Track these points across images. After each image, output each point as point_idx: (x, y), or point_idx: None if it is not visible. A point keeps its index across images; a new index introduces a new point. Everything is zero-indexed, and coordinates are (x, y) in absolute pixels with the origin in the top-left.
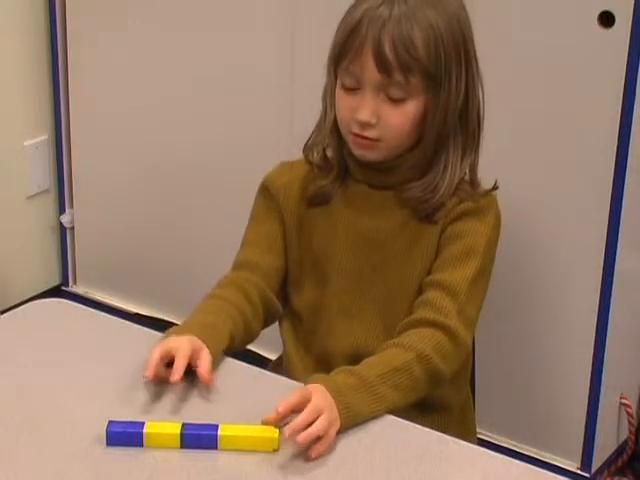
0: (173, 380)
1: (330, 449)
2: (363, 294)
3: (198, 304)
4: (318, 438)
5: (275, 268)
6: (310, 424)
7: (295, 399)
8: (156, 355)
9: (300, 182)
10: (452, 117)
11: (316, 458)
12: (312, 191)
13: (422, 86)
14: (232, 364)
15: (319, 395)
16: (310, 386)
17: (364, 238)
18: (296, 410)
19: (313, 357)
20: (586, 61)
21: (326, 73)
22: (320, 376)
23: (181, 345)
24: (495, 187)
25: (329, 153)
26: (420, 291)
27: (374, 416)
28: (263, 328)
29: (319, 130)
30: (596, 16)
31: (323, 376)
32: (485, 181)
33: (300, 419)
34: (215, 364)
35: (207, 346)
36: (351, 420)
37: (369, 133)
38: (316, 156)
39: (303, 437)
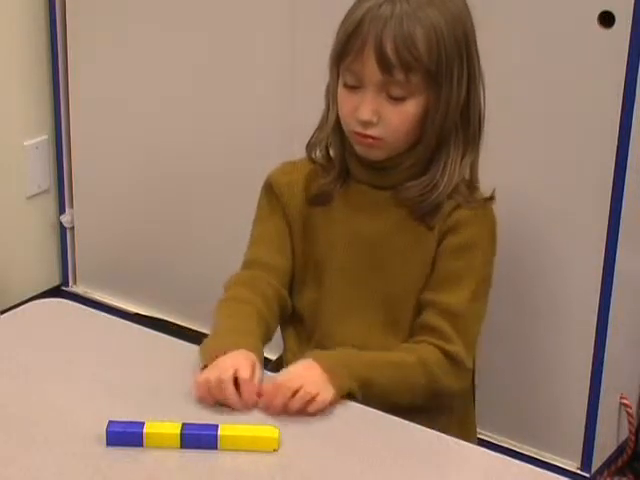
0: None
1: (322, 410)
2: (362, 294)
3: (224, 308)
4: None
5: (284, 265)
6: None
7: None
8: (233, 395)
9: (303, 181)
10: (453, 116)
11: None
12: (314, 190)
13: (423, 85)
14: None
15: (304, 367)
16: (298, 362)
17: (363, 238)
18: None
19: None
20: (586, 61)
21: (328, 72)
22: (316, 352)
23: (241, 367)
24: (492, 197)
25: (331, 152)
26: (418, 304)
27: (362, 395)
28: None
29: (321, 129)
30: (596, 16)
31: (317, 352)
32: (483, 182)
33: (277, 401)
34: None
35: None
36: (342, 387)
37: (370, 132)
38: (319, 155)
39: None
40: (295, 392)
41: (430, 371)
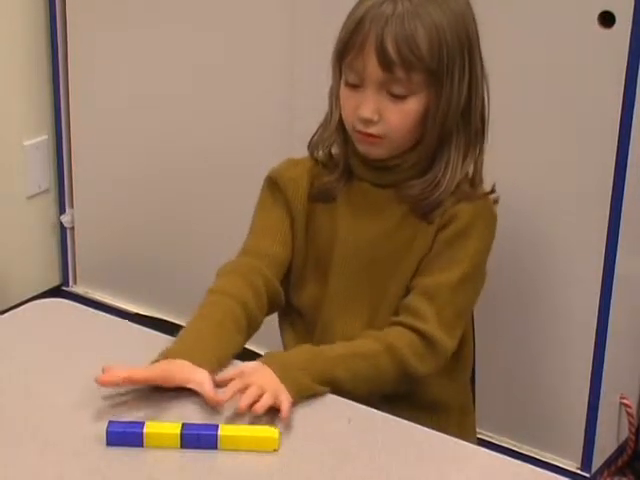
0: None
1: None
2: (362, 292)
3: (202, 304)
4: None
5: (282, 255)
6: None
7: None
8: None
9: (307, 178)
10: (454, 115)
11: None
12: (317, 188)
13: (424, 83)
14: (232, 364)
15: (260, 376)
16: (251, 366)
17: (366, 236)
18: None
19: None
20: (586, 61)
21: (331, 71)
22: (270, 353)
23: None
24: (492, 191)
25: (334, 150)
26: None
27: (325, 393)
28: (266, 316)
29: (325, 127)
30: (596, 16)
31: (273, 353)
32: (484, 182)
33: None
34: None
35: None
36: (300, 393)
37: (372, 130)
38: (321, 153)
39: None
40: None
41: (398, 356)
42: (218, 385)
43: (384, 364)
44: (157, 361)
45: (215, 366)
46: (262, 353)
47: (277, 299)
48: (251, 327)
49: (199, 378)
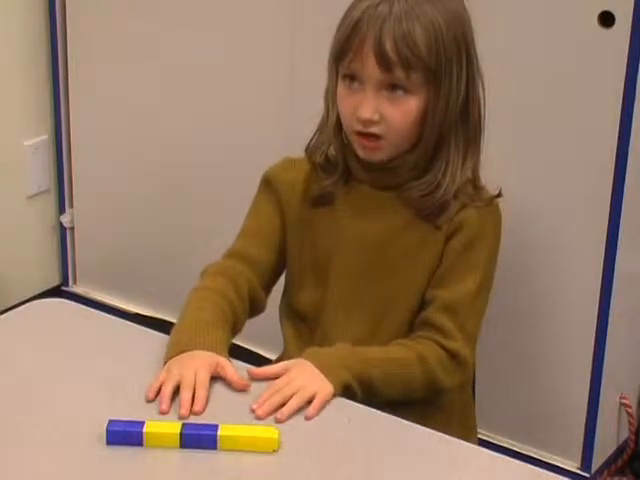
0: (197, 411)
1: (320, 411)
2: (365, 295)
3: (196, 299)
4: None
5: (268, 262)
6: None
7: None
8: (168, 391)
9: (303, 181)
10: (453, 114)
11: (310, 418)
12: (315, 191)
13: (423, 83)
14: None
15: (301, 373)
16: (294, 362)
17: (366, 239)
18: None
19: None
20: (586, 61)
21: (327, 73)
22: (311, 350)
23: (199, 373)
24: (499, 195)
25: (331, 153)
26: (422, 301)
27: (358, 392)
28: (246, 321)
29: (322, 131)
30: (596, 16)
31: (313, 350)
32: (484, 182)
33: (272, 400)
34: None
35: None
36: (340, 388)
37: (372, 130)
38: (319, 157)
39: (284, 415)
40: (290, 397)
41: (428, 367)
42: (259, 379)
43: (415, 372)
44: (173, 355)
45: (226, 353)
46: (262, 354)
47: (259, 305)
48: (236, 326)
49: (222, 362)
